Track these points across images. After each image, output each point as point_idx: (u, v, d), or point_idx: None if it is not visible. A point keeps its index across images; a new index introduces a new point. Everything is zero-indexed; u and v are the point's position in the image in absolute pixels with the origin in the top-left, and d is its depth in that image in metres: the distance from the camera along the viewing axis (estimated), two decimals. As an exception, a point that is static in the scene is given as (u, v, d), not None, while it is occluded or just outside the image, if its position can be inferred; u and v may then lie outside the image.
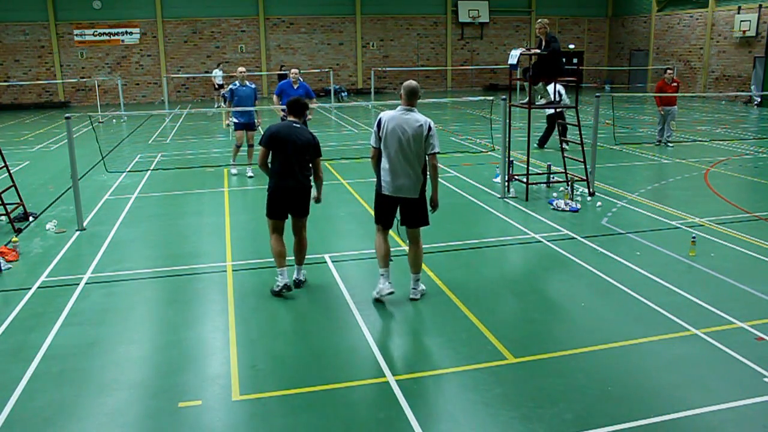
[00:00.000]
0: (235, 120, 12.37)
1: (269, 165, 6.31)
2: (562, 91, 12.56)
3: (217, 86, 26.11)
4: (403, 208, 5.94)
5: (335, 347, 5.34)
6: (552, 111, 12.71)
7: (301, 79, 11.82)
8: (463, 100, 26.18)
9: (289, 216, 6.42)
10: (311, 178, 6.41)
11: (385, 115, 5.81)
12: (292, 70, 11.84)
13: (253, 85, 12.35)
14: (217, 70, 27.03)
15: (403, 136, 5.69)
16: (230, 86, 12.17)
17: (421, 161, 5.80)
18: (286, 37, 31.98)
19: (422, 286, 6.23)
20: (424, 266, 7.00)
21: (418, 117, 5.74)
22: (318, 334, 5.59)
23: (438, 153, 5.83)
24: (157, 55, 30.68)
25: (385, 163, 5.80)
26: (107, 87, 29.86)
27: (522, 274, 7.26)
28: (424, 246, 7.70)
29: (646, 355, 5.09)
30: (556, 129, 12.07)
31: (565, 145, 11.34)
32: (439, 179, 11.45)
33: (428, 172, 5.92)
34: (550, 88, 11.58)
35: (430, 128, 5.74)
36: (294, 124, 6.28)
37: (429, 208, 6.02)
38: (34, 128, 21.46)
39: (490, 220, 9.19)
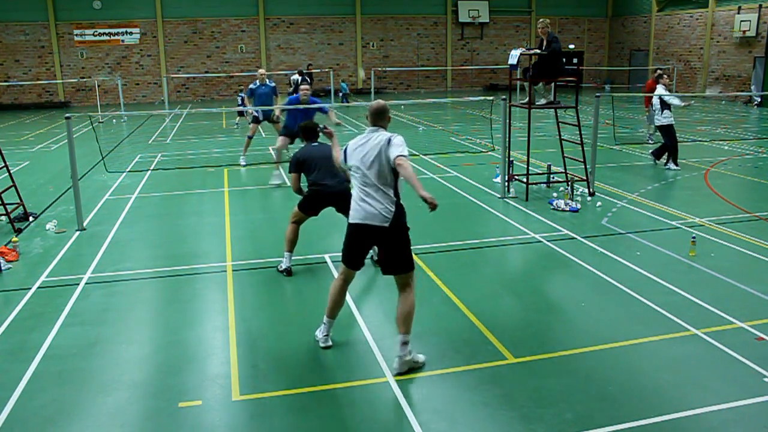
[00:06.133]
0: (255, 113, 13.43)
1: (303, 190, 7.00)
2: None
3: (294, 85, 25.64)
4: (379, 247, 5.06)
5: (335, 347, 5.33)
6: (663, 123, 12.47)
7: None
8: (463, 100, 26.18)
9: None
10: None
11: (352, 141, 5.10)
12: (303, 87, 11.35)
13: (273, 84, 13.38)
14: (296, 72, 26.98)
15: (366, 158, 4.90)
16: (250, 86, 13.42)
17: (390, 182, 4.87)
18: (286, 37, 31.99)
19: (418, 357, 4.97)
20: (423, 266, 7.02)
21: (382, 133, 4.94)
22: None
23: (403, 155, 4.75)
24: (157, 55, 30.69)
25: (354, 192, 5.07)
26: (107, 87, 29.86)
27: (522, 274, 7.26)
28: (423, 246, 7.73)
29: (646, 355, 5.09)
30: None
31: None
32: (439, 179, 11.59)
33: (402, 176, 4.84)
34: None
35: (389, 140, 4.85)
36: (312, 144, 7.01)
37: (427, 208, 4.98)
38: (35, 128, 21.47)
39: (490, 220, 9.19)
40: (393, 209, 4.87)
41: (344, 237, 5.13)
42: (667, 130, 12.46)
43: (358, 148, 4.98)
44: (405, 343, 4.86)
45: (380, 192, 4.87)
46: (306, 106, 10.79)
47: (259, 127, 14.10)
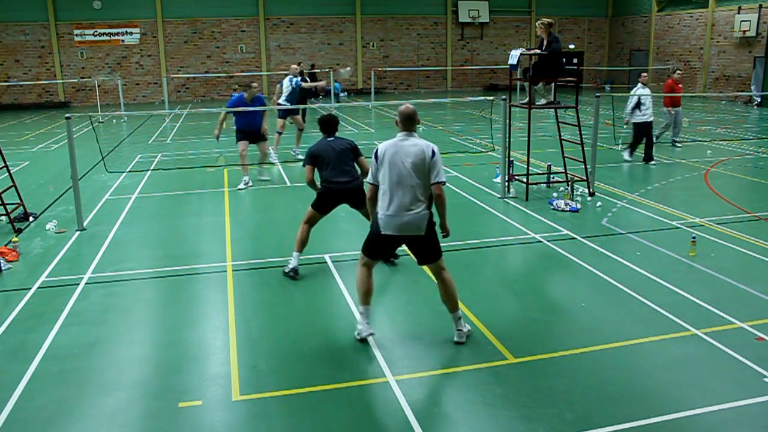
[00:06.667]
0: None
1: (316, 183, 6.90)
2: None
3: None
4: (410, 247, 5.34)
5: (335, 347, 5.34)
6: (636, 120, 13.01)
7: (236, 92, 12.27)
8: (463, 100, 26.19)
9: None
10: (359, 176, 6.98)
11: (383, 145, 5.18)
12: (253, 84, 11.42)
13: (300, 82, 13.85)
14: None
15: (403, 166, 5.01)
16: (294, 85, 13.69)
17: (426, 193, 5.08)
18: (287, 37, 32.00)
19: (467, 327, 5.43)
20: (423, 266, 7.01)
21: (419, 142, 5.08)
22: (318, 334, 5.59)
23: (444, 183, 5.07)
24: (158, 56, 30.69)
25: (383, 199, 5.09)
26: (107, 87, 29.86)
27: (522, 274, 7.26)
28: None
29: (646, 355, 5.09)
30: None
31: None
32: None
33: (434, 203, 5.18)
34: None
35: (433, 153, 5.03)
36: (328, 139, 6.91)
37: (439, 234, 5.33)
38: (35, 128, 21.46)
39: (490, 220, 9.19)
40: (427, 216, 5.11)
41: (370, 239, 5.35)
42: (638, 127, 12.94)
43: (396, 152, 5.08)
44: (459, 318, 5.32)
45: (417, 197, 5.05)
46: (250, 108, 11.00)
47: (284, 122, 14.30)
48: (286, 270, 6.92)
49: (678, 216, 9.03)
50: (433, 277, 5.39)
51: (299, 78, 13.86)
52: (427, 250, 5.25)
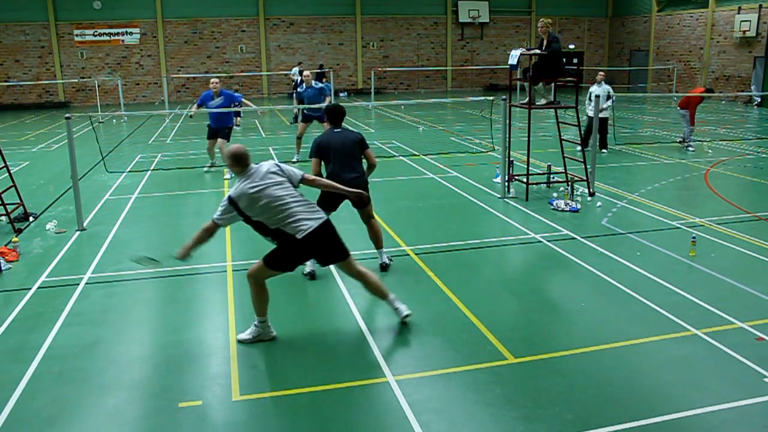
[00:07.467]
0: (305, 112, 13.84)
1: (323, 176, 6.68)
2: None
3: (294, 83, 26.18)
4: (325, 245, 5.28)
5: (335, 347, 5.34)
6: (588, 114, 13.70)
7: (230, 89, 12.93)
8: (463, 100, 26.19)
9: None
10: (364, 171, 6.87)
11: (237, 190, 5.40)
12: (212, 80, 12.40)
13: (319, 85, 13.80)
14: (295, 68, 27.05)
15: (275, 183, 5.21)
16: (298, 89, 14.03)
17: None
18: (287, 37, 32.01)
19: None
20: (423, 266, 7.04)
21: (259, 167, 5.29)
22: (318, 334, 5.60)
23: (303, 174, 5.38)
24: (158, 56, 30.70)
25: (296, 208, 5.15)
26: (108, 87, 29.87)
27: (522, 274, 7.26)
28: (423, 246, 7.74)
29: (646, 355, 5.09)
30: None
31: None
32: (440, 179, 11.60)
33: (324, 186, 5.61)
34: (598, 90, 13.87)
35: (274, 167, 5.28)
36: (335, 130, 6.72)
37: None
38: (35, 128, 21.47)
39: (490, 220, 9.19)
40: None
41: (286, 255, 5.25)
42: (589, 121, 13.63)
43: (262, 183, 5.21)
44: (395, 300, 5.64)
45: (303, 197, 5.29)
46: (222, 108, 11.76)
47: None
48: (303, 272, 6.79)
49: (678, 216, 9.03)
50: (356, 278, 5.50)
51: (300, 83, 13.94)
52: (339, 242, 5.31)
